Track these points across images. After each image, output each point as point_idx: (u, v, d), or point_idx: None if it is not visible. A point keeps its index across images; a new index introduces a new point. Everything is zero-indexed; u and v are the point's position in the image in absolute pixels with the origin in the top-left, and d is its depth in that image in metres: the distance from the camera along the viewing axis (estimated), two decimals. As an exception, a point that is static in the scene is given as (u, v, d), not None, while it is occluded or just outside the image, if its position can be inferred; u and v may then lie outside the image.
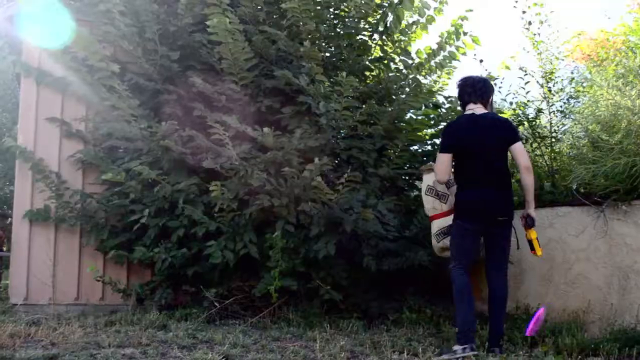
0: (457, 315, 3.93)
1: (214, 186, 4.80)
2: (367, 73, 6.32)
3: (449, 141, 4.02)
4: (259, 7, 5.59)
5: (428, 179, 4.39)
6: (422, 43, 6.26)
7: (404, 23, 6.06)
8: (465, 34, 5.68)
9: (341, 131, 5.50)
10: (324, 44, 5.94)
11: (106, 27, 5.45)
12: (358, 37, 6.07)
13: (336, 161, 5.45)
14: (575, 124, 5.63)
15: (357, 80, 5.32)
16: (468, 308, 3.90)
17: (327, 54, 6.03)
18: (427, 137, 6.31)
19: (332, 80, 5.31)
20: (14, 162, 7.21)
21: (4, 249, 6.17)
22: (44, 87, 5.94)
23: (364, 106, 5.36)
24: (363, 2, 5.73)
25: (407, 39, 6.17)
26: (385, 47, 6.27)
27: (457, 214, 4.05)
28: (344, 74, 5.01)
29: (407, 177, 6.14)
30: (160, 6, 5.70)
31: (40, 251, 5.78)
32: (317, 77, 5.13)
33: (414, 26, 6.08)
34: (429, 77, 6.10)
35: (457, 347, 3.79)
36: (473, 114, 4.02)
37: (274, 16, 5.79)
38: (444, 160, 3.98)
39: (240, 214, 5.08)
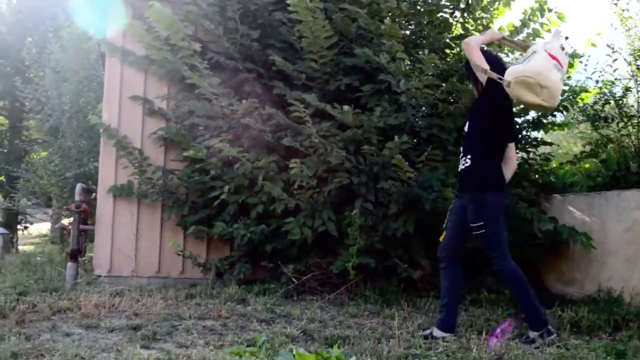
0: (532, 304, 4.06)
1: (294, 163, 5.26)
2: (448, 51, 6.63)
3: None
4: (340, -15, 6.00)
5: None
6: (504, 20, 6.48)
7: (485, 0, 6.34)
8: (550, 10, 5.91)
9: (421, 109, 5.85)
10: (404, 22, 6.30)
11: (188, 7, 5.99)
12: (439, 15, 6.41)
13: (415, 140, 5.80)
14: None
15: (438, 58, 5.63)
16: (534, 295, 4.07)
17: (408, 32, 6.38)
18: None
19: (412, 58, 5.64)
20: (98, 139, 8.00)
21: (88, 222, 6.90)
22: (127, 66, 6.61)
23: (444, 84, 5.67)
24: (444, -22, 6.05)
25: (489, 16, 6.45)
26: (467, 25, 6.56)
27: (499, 187, 4.04)
28: (426, 51, 5.37)
29: None
30: (241, -15, 6.21)
31: (124, 225, 6.47)
32: (398, 54, 5.50)
33: (497, 3, 6.37)
34: (511, 55, 6.34)
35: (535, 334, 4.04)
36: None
37: (354, -7, 6.18)
38: None
39: (319, 191, 5.52)
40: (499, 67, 4.01)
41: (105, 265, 6.46)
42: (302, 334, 4.29)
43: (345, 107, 5.25)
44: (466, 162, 4.07)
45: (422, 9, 6.38)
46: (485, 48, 4.20)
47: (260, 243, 5.84)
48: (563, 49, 3.86)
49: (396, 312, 4.93)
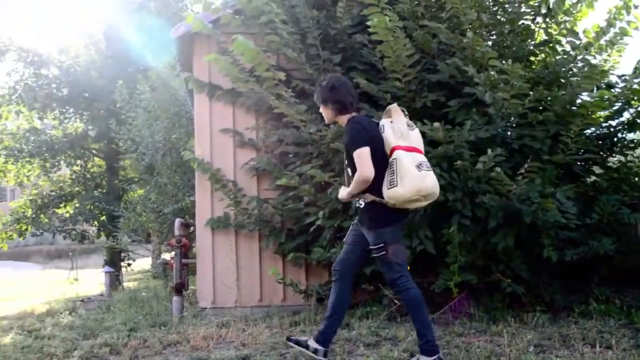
0: (423, 328, 4.06)
1: (388, 184, 5.36)
2: (533, 58, 6.61)
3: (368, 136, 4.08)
4: (417, 2, 6.12)
5: None
6: (588, 22, 6.40)
7: (567, 2, 6.25)
8: (636, 7, 5.79)
9: (511, 120, 5.82)
10: (485, 33, 6.31)
11: (270, 37, 6.22)
12: (520, 23, 6.38)
13: (507, 151, 5.75)
14: None
15: (523, 66, 5.60)
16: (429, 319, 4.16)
17: (490, 43, 6.38)
18: (601, 120, 6.41)
19: (497, 68, 5.64)
20: (192, 174, 8.38)
21: (189, 256, 7.23)
22: (215, 101, 6.94)
23: (532, 93, 5.63)
24: (523, -15, 6.03)
25: (572, 18, 6.36)
26: (550, 30, 6.52)
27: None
28: (510, 61, 5.37)
29: (583, 163, 6.31)
30: (319, 11, 6.43)
31: (224, 257, 6.76)
32: (491, 62, 5.52)
33: (579, 4, 6.27)
34: (598, 57, 6.24)
35: None
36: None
37: (432, 9, 6.28)
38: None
39: (414, 210, 5.60)
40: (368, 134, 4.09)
41: (208, 297, 6.74)
42: (409, 355, 4.37)
43: (436, 124, 5.29)
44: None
45: (502, 19, 6.38)
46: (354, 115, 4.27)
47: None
48: (409, 125, 4.15)
49: (504, 329, 4.94)
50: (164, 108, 9.57)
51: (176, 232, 6.93)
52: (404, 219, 4.30)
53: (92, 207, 14.68)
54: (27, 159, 15.06)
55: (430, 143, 5.60)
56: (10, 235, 15.78)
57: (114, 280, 11.47)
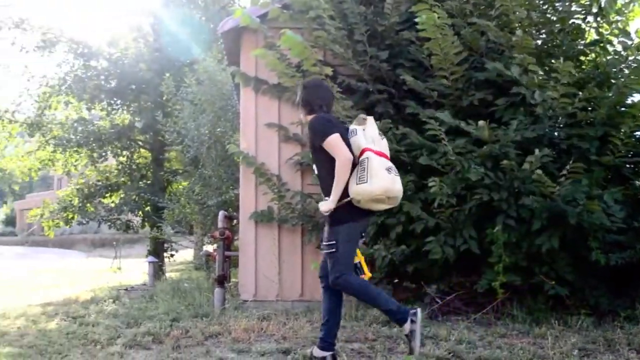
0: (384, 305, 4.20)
1: (432, 182, 5.37)
2: (583, 58, 6.52)
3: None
4: (466, 0, 6.11)
5: None
6: None
7: (619, 2, 6.14)
8: None
9: (559, 120, 5.78)
10: (535, 32, 6.26)
11: (317, 32, 6.28)
12: (571, 22, 6.30)
13: (555, 151, 5.74)
14: None
15: (573, 66, 5.54)
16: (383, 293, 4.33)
17: (539, 42, 6.33)
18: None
19: (546, 68, 5.60)
20: (236, 168, 8.48)
21: (231, 248, 7.34)
22: (261, 95, 7.03)
23: (581, 92, 5.56)
24: (574, -16, 5.96)
25: (624, 18, 6.23)
26: (601, 29, 6.43)
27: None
28: (561, 60, 5.33)
29: (632, 165, 6.21)
30: (367, 7, 6.47)
31: (266, 250, 6.85)
32: (530, 67, 5.50)
33: (631, 4, 6.16)
34: None
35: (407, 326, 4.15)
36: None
37: (481, 7, 6.26)
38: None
39: (459, 209, 5.61)
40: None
41: (250, 290, 6.85)
42: (451, 355, 4.40)
43: (481, 123, 5.30)
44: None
45: (553, 17, 6.30)
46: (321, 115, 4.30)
47: (401, 264, 5.97)
48: (379, 134, 4.34)
49: (547, 331, 4.91)
50: (210, 101, 9.68)
51: (219, 225, 7.03)
52: (363, 221, 4.30)
53: (137, 197, 14.92)
54: (75, 149, 15.37)
55: (475, 142, 5.62)
56: (57, 223, 16.16)
57: (157, 271, 11.67)
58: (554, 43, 6.30)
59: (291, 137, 6.91)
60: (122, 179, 15.70)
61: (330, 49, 6.39)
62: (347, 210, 4.10)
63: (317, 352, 4.24)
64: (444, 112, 5.65)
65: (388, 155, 4.29)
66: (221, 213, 7.15)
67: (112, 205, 15.59)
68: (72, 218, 15.99)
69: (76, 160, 16.16)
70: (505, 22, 6.01)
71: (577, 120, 5.74)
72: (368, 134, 4.23)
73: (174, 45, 13.94)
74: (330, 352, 4.22)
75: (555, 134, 5.84)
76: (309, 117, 4.33)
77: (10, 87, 44.26)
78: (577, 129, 5.74)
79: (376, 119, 5.81)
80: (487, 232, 5.49)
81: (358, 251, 4.35)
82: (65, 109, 16.29)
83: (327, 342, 4.24)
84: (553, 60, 5.53)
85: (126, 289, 10.10)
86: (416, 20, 5.64)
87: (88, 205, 15.70)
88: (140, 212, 15.28)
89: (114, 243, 23.09)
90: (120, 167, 15.95)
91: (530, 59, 5.50)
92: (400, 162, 6.00)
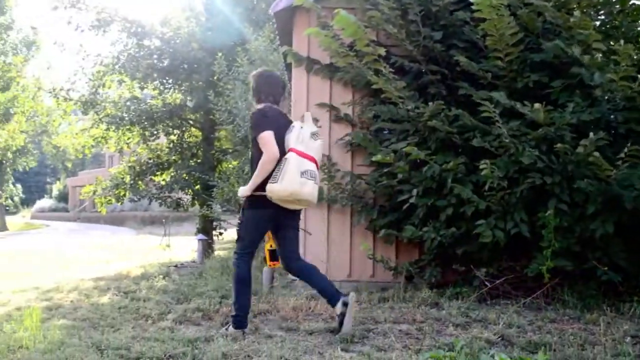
0: (237, 300, 4.73)
1: (484, 164, 5.36)
2: (643, 40, 6.37)
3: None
4: (523, -20, 6.01)
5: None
6: None
7: None
8: None
9: (617, 103, 5.66)
10: (593, 12, 6.15)
11: (370, 12, 6.29)
12: (631, 3, 6.19)
13: (612, 135, 5.65)
14: None
15: (633, 48, 5.44)
16: (249, 293, 4.79)
17: (598, 23, 6.23)
18: None
19: (605, 50, 5.49)
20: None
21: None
22: (313, 75, 7.09)
23: (640, 76, 5.47)
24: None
25: None
26: (662, 11, 6.27)
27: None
28: (621, 42, 5.23)
29: None
30: (421, -13, 6.43)
31: (316, 230, 6.94)
32: (594, 45, 5.41)
33: (694, -16, 6.01)
34: None
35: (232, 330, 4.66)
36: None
37: (539, -13, 6.16)
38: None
39: (510, 192, 5.58)
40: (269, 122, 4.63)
41: (299, 269, 6.90)
42: (500, 339, 4.42)
43: (536, 105, 5.26)
44: None
45: (612, -2, 6.18)
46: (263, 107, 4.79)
47: (450, 246, 5.99)
48: (314, 134, 4.69)
49: (599, 318, 4.89)
50: (262, 81, 9.76)
51: (270, 204, 7.13)
52: (273, 212, 4.65)
53: (187, 176, 15.13)
54: (128, 127, 15.65)
55: (530, 125, 5.57)
56: (109, 200, 16.52)
57: (207, 248, 11.90)
58: (613, 24, 6.19)
59: (342, 118, 6.95)
60: (173, 157, 15.95)
61: (383, 29, 6.39)
62: (261, 199, 4.57)
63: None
64: (499, 93, 5.61)
65: (316, 156, 4.65)
66: (271, 192, 7.24)
67: (163, 183, 15.84)
68: (124, 195, 16.33)
69: (128, 138, 16.46)
70: (563, 2, 5.90)
71: (636, 104, 5.62)
72: (302, 132, 4.62)
73: (226, 24, 14.04)
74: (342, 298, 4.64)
75: (613, 117, 5.73)
76: (258, 106, 4.82)
77: (65, 66, 45.33)
78: (636, 112, 5.63)
79: (428, 100, 5.91)
80: (538, 215, 5.46)
81: (271, 239, 4.94)
82: (119, 87, 16.60)
83: (334, 296, 4.69)
84: (612, 42, 5.41)
85: (176, 266, 10.33)
86: (471, 0, 5.61)
87: (139, 182, 16.00)
88: (190, 191, 15.50)
89: (164, 221, 23.55)
90: (171, 145, 16.19)
91: (596, 35, 5.43)
92: (452, 144, 6.01)
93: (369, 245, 6.62)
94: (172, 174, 15.71)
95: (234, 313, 4.73)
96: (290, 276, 6.87)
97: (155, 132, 15.97)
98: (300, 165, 4.47)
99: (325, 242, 6.87)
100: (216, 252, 13.23)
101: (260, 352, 4.09)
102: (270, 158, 4.49)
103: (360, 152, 6.86)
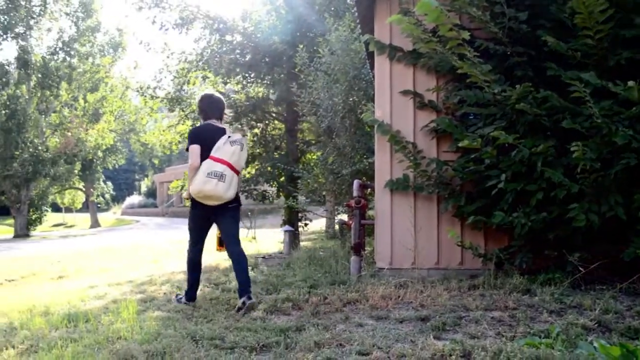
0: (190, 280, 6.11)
1: (575, 146, 5.25)
2: None
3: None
4: (613, -46, 5.83)
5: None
6: None
7: None
8: None
9: None
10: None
11: (454, -4, 6.27)
12: None
13: None
14: None
15: None
16: (198, 274, 6.15)
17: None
18: None
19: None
20: (369, 136, 8.59)
21: (365, 217, 7.51)
22: (395, 62, 7.11)
23: None
24: None
25: None
26: None
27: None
28: None
29: None
30: (506, -33, 6.33)
31: (402, 218, 6.97)
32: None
33: None
34: None
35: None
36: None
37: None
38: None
39: (604, 174, 5.45)
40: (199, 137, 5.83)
41: (386, 258, 7.00)
42: (597, 325, 4.34)
43: (630, 83, 5.11)
44: None
45: None
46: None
47: (541, 231, 5.90)
48: (233, 142, 5.74)
49: None
50: (343, 71, 9.84)
51: (354, 194, 7.22)
52: (203, 210, 5.88)
53: (271, 168, 15.42)
54: (213, 122, 16.08)
55: (623, 103, 5.42)
56: (196, 195, 17.00)
57: (293, 240, 12.10)
58: None
59: (426, 104, 6.93)
60: (257, 150, 16.26)
61: (466, 12, 6.31)
62: (194, 200, 5.83)
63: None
64: (589, 73, 5.48)
65: (227, 159, 5.69)
66: (356, 182, 7.32)
67: (248, 176, 16.19)
68: (211, 189, 16.77)
69: (214, 133, 16.89)
70: (656, -26, 5.70)
71: None
72: (221, 141, 5.71)
73: (306, 16, 14.20)
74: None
75: None
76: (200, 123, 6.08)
77: (151, 65, 46.74)
78: None
79: (515, 83, 5.85)
80: (635, 197, 5.32)
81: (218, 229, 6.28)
82: (203, 83, 17.06)
83: (245, 290, 5.65)
84: None
85: (263, 257, 10.55)
86: (559, -22, 5.51)
87: (225, 176, 16.39)
88: (274, 183, 15.78)
89: (249, 213, 24.01)
90: (255, 139, 16.52)
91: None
92: (541, 126, 5.91)
93: (457, 233, 6.61)
94: (257, 166, 16.04)
95: (186, 291, 6.12)
96: (378, 265, 6.95)
97: (239, 126, 16.31)
98: (209, 168, 5.61)
99: (412, 230, 6.88)
100: (302, 243, 13.41)
101: (352, 341, 4.17)
102: (191, 167, 5.70)
103: (445, 138, 6.83)
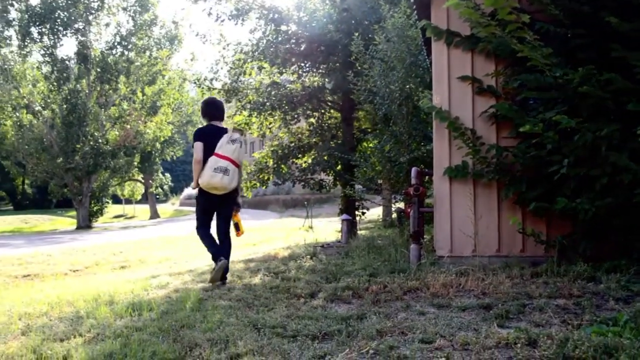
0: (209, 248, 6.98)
1: (642, 130, 5.12)
2: None
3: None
4: None
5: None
6: None
7: None
8: None
9: None
10: None
11: (511, -21, 6.16)
12: None
13: None
14: None
15: None
16: (213, 241, 7.00)
17: None
18: None
19: None
20: (426, 123, 8.54)
21: (424, 205, 7.47)
22: (453, 48, 7.04)
23: None
24: None
25: None
26: None
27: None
28: None
29: None
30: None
31: (461, 206, 6.93)
32: None
33: None
34: None
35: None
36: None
37: None
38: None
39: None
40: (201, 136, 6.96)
41: (446, 246, 6.97)
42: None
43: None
44: None
45: None
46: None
47: (606, 217, 5.79)
48: (233, 141, 6.86)
49: None
50: (400, 58, 9.79)
51: (413, 181, 7.18)
52: (210, 197, 6.94)
53: (328, 157, 15.47)
54: (269, 112, 16.24)
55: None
56: (254, 184, 17.24)
57: (351, 228, 12.14)
58: None
59: (485, 89, 6.85)
60: (314, 139, 16.35)
61: (526, -6, 6.24)
62: (201, 189, 6.91)
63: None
64: (656, 53, 5.34)
65: (232, 155, 6.80)
66: (414, 169, 7.29)
67: (305, 165, 16.30)
68: (268, 179, 16.98)
69: (270, 123, 17.09)
70: None
71: None
72: (223, 140, 6.81)
73: (361, 3, 14.17)
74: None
75: None
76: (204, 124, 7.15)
77: (207, 56, 47.35)
78: None
79: (577, 66, 5.71)
80: None
81: (236, 215, 7.22)
82: (259, 74, 17.22)
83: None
84: None
85: (322, 246, 10.63)
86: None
87: (282, 166, 16.58)
88: (331, 172, 15.84)
89: (305, 203, 24.18)
90: (311, 128, 16.61)
91: None
92: (605, 110, 5.78)
93: (518, 219, 6.52)
94: (314, 156, 16.12)
95: (211, 255, 7.00)
96: (438, 253, 6.93)
97: (295, 116, 16.45)
98: (215, 163, 6.71)
99: (472, 217, 6.82)
100: (360, 232, 13.44)
101: (414, 329, 4.17)
102: (195, 161, 6.83)
103: (505, 124, 6.74)
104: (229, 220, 7.13)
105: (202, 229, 7.04)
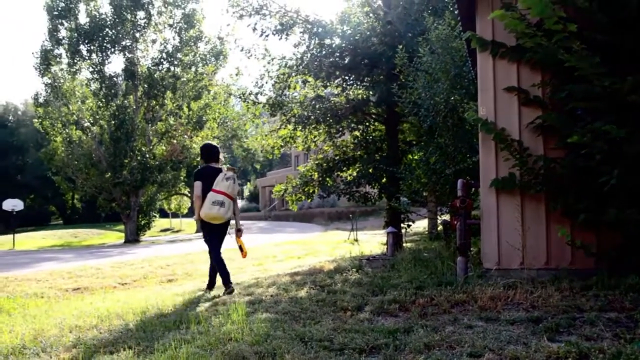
0: (222, 273, 8.18)
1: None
2: None
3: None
4: None
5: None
6: None
7: None
8: None
9: None
10: None
11: (557, -12, 6.10)
12: None
13: None
14: None
15: None
16: (225, 266, 8.23)
17: None
18: None
19: None
20: (472, 135, 8.50)
21: (470, 217, 7.43)
22: (498, 59, 7.00)
23: None
24: None
25: None
26: None
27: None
28: None
29: None
30: (613, -46, 6.11)
31: (509, 218, 6.84)
32: None
33: None
34: None
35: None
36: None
37: None
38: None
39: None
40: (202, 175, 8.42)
41: (493, 258, 6.89)
42: None
43: None
44: None
45: None
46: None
47: (660, 228, 5.67)
48: (227, 178, 8.22)
49: None
50: (444, 70, 9.78)
51: (459, 193, 7.16)
52: (212, 226, 8.28)
53: (373, 170, 15.46)
54: (314, 126, 16.34)
55: None
56: (299, 197, 17.33)
57: (397, 241, 12.10)
58: None
59: (532, 100, 6.79)
60: (358, 152, 16.37)
61: (572, 3, 6.15)
62: (203, 220, 8.21)
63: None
64: None
65: (227, 190, 8.14)
66: (460, 181, 7.26)
67: (350, 178, 16.33)
68: (313, 192, 17.06)
69: (315, 137, 17.19)
70: None
71: None
72: (219, 178, 8.20)
73: (405, 16, 14.18)
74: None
75: None
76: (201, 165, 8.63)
77: (253, 71, 47.86)
78: None
79: (626, 75, 5.59)
80: None
81: (239, 238, 8.48)
82: (303, 87, 17.34)
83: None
84: None
85: (368, 259, 10.62)
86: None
87: (327, 179, 16.63)
88: (376, 184, 15.83)
89: (350, 216, 24.17)
90: (355, 141, 16.65)
91: None
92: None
93: (567, 231, 6.42)
94: (358, 168, 16.15)
95: (224, 281, 8.14)
96: (485, 266, 6.88)
97: (340, 129, 16.51)
98: (213, 198, 8.06)
99: (520, 229, 6.75)
100: (405, 245, 13.39)
101: (462, 343, 4.16)
102: (196, 197, 8.22)
103: (551, 134, 6.67)
104: (222, 241, 8.47)
105: (215, 253, 8.32)
